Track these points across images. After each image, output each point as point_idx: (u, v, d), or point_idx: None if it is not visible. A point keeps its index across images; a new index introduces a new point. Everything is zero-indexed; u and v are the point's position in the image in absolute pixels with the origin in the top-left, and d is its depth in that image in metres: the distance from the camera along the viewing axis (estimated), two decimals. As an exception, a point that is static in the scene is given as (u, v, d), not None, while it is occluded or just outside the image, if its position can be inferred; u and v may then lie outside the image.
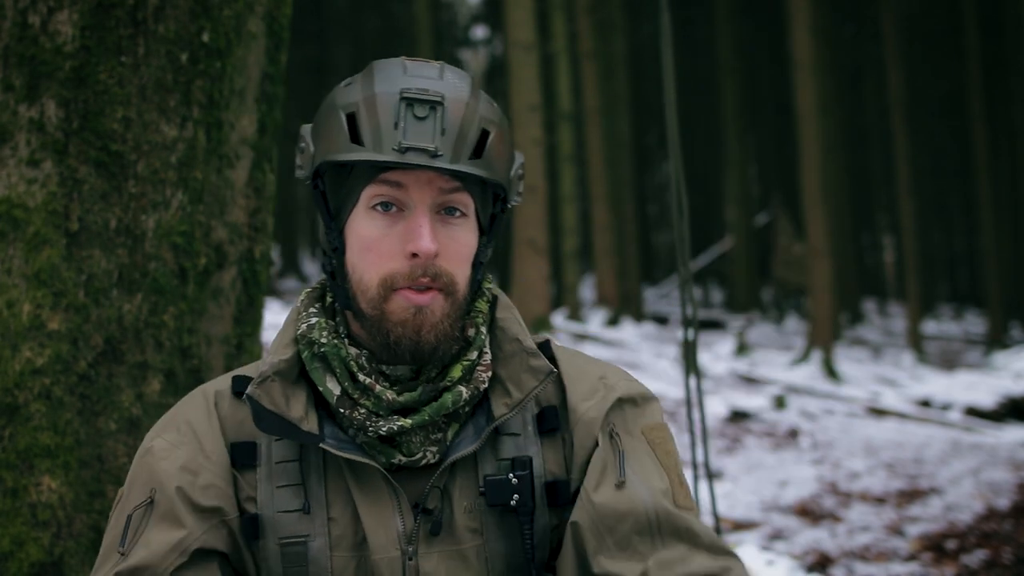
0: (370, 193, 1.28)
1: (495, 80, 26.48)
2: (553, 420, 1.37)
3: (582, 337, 14.65)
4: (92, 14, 1.91)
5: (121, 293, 1.93)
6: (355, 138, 1.26)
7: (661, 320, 21.44)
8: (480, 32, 32.14)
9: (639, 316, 19.65)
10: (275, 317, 11.13)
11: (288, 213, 25.31)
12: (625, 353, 13.90)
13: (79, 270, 1.90)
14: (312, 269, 28.10)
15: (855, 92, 29.17)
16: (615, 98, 19.07)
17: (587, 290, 22.66)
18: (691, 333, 3.01)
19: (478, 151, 1.27)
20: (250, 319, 2.19)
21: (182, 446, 1.34)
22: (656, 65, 24.88)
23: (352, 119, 1.27)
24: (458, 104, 1.27)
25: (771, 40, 27.10)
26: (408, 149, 1.23)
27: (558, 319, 15.96)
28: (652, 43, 26.53)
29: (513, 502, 1.29)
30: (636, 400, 1.39)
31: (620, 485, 1.30)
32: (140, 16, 1.93)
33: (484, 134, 1.28)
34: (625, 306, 18.69)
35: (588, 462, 1.34)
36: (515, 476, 1.30)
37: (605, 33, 18.83)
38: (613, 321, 17.66)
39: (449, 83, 1.29)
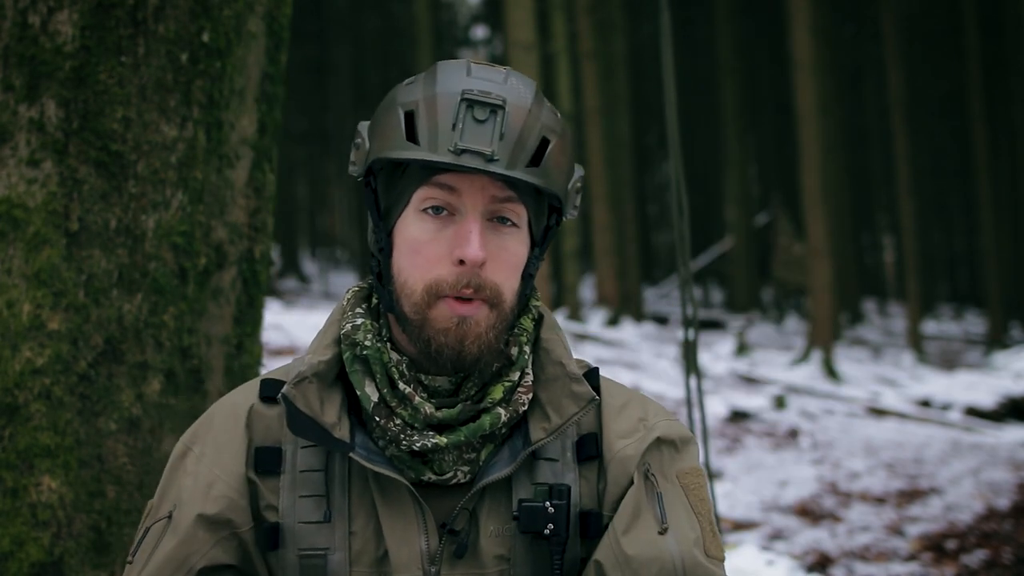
0: (422, 195, 1.26)
1: (495, 80, 26.45)
2: (592, 448, 1.33)
3: (582, 337, 14.64)
4: (92, 14, 1.91)
5: (121, 293, 1.93)
6: (411, 136, 1.24)
7: (661, 320, 21.43)
8: (480, 32, 32.15)
9: (639, 316, 19.65)
10: (275, 317, 11.12)
11: (288, 213, 25.31)
12: (625, 353, 13.89)
13: (79, 270, 1.90)
14: (312, 269, 28.09)
15: (855, 92, 29.18)
16: (615, 98, 19.07)
17: (587, 290, 22.66)
18: (691, 333, 3.01)
19: (536, 159, 1.24)
20: (250, 319, 2.19)
21: (204, 458, 1.33)
22: (656, 65, 24.89)
23: (410, 117, 1.25)
24: (520, 110, 1.24)
25: (771, 40, 27.10)
26: (464, 151, 1.20)
27: (558, 319, 15.94)
28: (652, 43, 26.54)
29: (547, 531, 1.26)
30: (675, 442, 1.35)
31: (662, 532, 1.26)
32: (140, 16, 1.93)
33: (544, 142, 1.25)
34: (625, 306, 18.69)
35: (620, 499, 1.30)
36: (552, 505, 1.26)
37: (605, 33, 18.83)
38: (613, 321, 17.66)
39: (512, 88, 1.26)
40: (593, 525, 1.31)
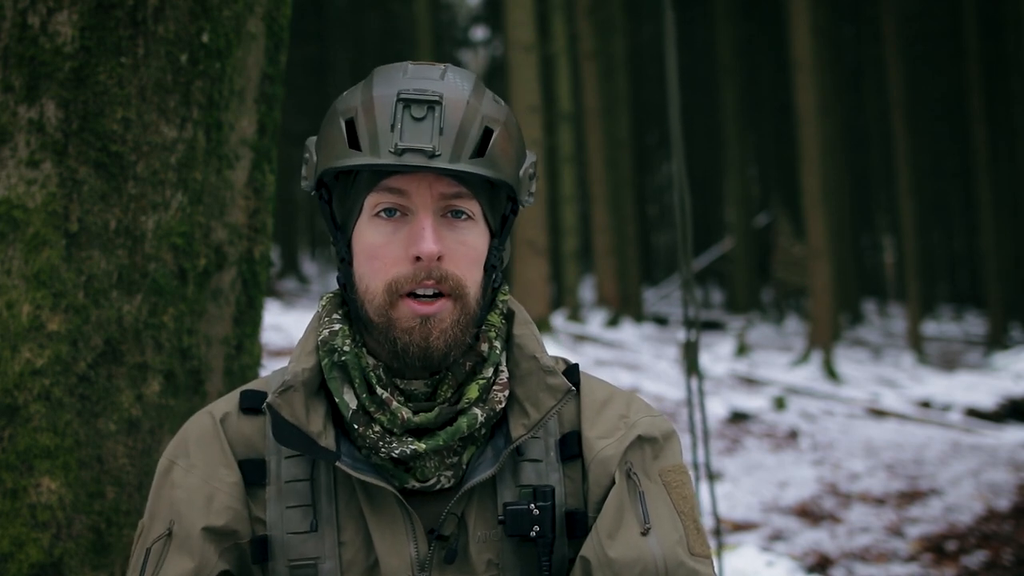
0: (372, 201, 1.26)
1: (495, 81, 26.49)
2: (574, 447, 1.33)
3: (582, 338, 14.65)
4: (92, 15, 1.90)
5: (121, 294, 1.93)
6: (353, 143, 1.24)
7: (661, 321, 21.43)
8: (480, 33, 32.14)
9: (639, 317, 19.64)
10: (275, 318, 11.12)
11: (288, 213, 25.30)
12: (625, 354, 13.89)
13: (79, 271, 1.90)
14: (312, 270, 28.09)
15: (855, 92, 29.19)
16: (615, 99, 19.07)
17: (587, 291, 22.66)
18: (693, 334, 3.01)
19: (481, 150, 1.24)
20: (250, 320, 2.19)
21: (194, 470, 1.32)
22: (656, 66, 24.90)
23: (351, 125, 1.25)
24: (457, 103, 1.24)
25: (771, 40, 27.11)
26: (405, 151, 1.20)
27: (558, 320, 15.95)
28: (652, 44, 26.54)
29: (533, 533, 1.26)
30: (657, 439, 1.35)
31: (644, 532, 1.26)
32: (140, 17, 1.93)
33: (487, 132, 1.25)
34: (625, 307, 18.69)
35: (603, 500, 1.30)
36: (536, 506, 1.26)
37: (605, 34, 18.82)
38: (613, 322, 17.66)
39: (450, 83, 1.26)
40: (579, 525, 1.30)
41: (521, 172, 1.31)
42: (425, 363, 1.26)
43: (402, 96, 1.23)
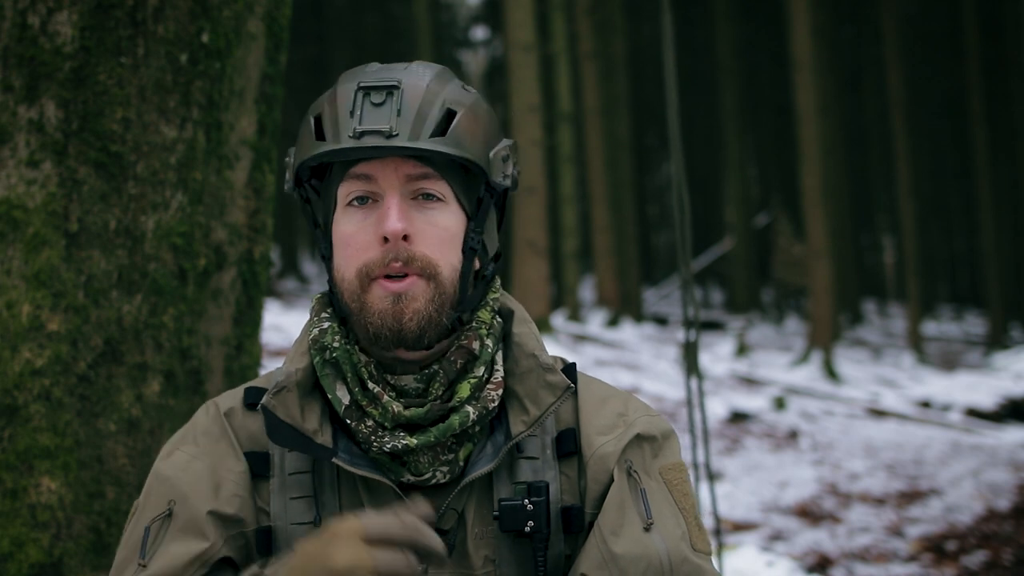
0: (344, 191, 1.29)
1: (495, 81, 26.49)
2: (571, 444, 1.34)
3: (582, 338, 14.64)
4: (92, 15, 1.91)
5: (121, 294, 1.93)
6: (320, 136, 1.28)
7: (661, 321, 21.42)
8: (480, 33, 32.12)
9: (639, 317, 19.64)
10: (275, 318, 11.12)
11: (288, 213, 25.30)
12: (625, 354, 13.89)
13: (79, 271, 1.90)
14: (312, 270, 28.09)
15: (855, 92, 29.19)
16: (615, 99, 19.06)
17: (587, 291, 22.65)
18: (692, 334, 3.01)
19: (443, 130, 1.26)
20: (250, 320, 2.19)
21: (201, 457, 1.33)
22: (656, 66, 24.89)
23: (318, 120, 1.29)
24: (416, 87, 1.27)
25: (771, 41, 27.10)
26: (364, 133, 1.23)
27: (558, 320, 15.95)
28: (652, 44, 26.54)
29: (527, 529, 1.27)
30: (656, 437, 1.36)
31: (647, 528, 1.27)
32: (140, 17, 1.93)
33: (449, 113, 1.27)
34: (625, 307, 18.68)
35: (602, 497, 1.31)
36: (530, 502, 1.27)
37: (605, 34, 18.81)
38: (613, 322, 17.65)
39: (412, 71, 1.30)
40: (575, 520, 1.32)
41: (492, 153, 1.32)
42: (399, 343, 1.27)
43: (362, 85, 1.27)
